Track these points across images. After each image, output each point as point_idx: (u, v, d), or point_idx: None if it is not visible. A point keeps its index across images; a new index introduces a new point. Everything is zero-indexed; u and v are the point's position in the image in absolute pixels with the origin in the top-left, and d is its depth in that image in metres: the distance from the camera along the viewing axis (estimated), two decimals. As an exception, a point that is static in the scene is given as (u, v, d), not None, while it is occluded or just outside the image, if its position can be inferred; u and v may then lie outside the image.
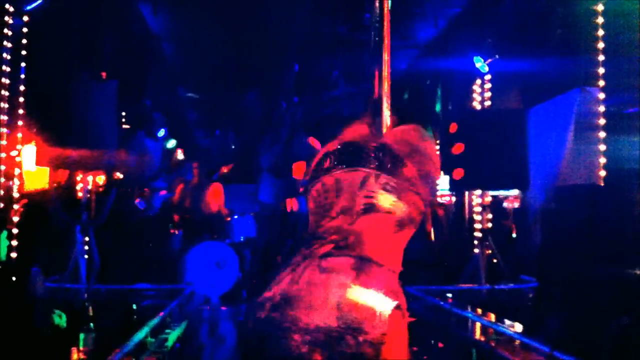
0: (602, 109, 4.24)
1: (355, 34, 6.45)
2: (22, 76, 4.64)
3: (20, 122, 4.65)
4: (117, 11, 5.80)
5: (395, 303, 1.28)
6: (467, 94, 6.28)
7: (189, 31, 7.22)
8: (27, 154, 4.73)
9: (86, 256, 4.79)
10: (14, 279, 4.23)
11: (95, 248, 4.79)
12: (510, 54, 5.68)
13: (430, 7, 6.29)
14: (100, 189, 5.27)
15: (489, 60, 5.69)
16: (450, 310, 4.12)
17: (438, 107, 7.28)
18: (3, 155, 4.45)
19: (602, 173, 4.16)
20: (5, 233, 4.27)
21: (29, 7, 4.59)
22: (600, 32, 4.22)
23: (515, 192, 6.03)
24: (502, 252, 5.22)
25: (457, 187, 5.71)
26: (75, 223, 4.73)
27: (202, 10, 6.45)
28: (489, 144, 4.93)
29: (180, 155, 8.90)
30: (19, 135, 4.64)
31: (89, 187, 4.97)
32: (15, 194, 4.54)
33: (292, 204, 5.55)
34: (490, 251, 5.26)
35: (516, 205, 6.18)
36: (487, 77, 5.90)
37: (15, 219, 4.48)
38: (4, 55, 4.47)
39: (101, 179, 5.39)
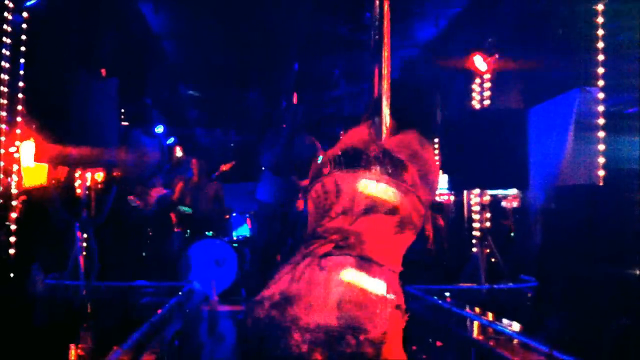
0: (601, 109, 4.24)
1: (356, 33, 6.45)
2: (22, 73, 4.63)
3: (19, 119, 4.64)
4: (117, 9, 5.79)
5: (395, 303, 1.28)
6: (467, 94, 6.28)
7: (190, 30, 7.21)
8: (26, 150, 4.73)
9: (85, 254, 4.78)
10: (12, 276, 4.22)
11: (95, 246, 4.78)
12: (511, 54, 5.68)
13: (430, 6, 6.29)
14: (100, 187, 5.27)
15: (489, 59, 5.69)
16: (450, 309, 4.12)
17: (438, 107, 7.28)
18: (2, 151, 4.44)
19: (602, 173, 4.15)
20: None
21: (28, 4, 4.58)
22: (600, 32, 4.21)
23: (514, 191, 6.03)
24: (501, 251, 5.22)
25: (456, 187, 5.72)
26: (75, 220, 4.72)
27: (203, 9, 6.44)
28: (488, 144, 4.93)
29: (179, 153, 8.90)
30: (18, 131, 4.63)
31: (88, 184, 4.96)
32: (14, 191, 4.53)
33: (298, 204, 5.55)
34: (489, 251, 5.26)
35: (515, 204, 6.18)
36: (487, 76, 5.90)
37: (14, 215, 4.47)
38: (4, 51, 4.46)
39: (100, 177, 5.38)
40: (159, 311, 3.77)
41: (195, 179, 6.91)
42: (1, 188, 4.40)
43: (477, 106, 6.06)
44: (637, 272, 3.21)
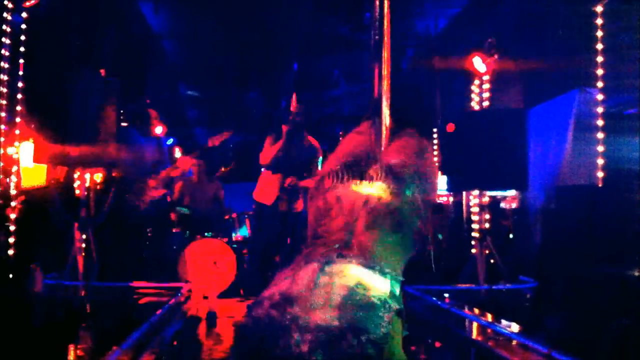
0: (601, 109, 4.25)
1: (356, 33, 6.45)
2: (21, 73, 4.63)
3: (18, 119, 4.64)
4: (117, 8, 5.79)
5: (397, 307, 1.28)
6: (467, 94, 6.28)
7: (190, 29, 7.21)
8: (25, 150, 4.72)
9: (84, 254, 4.78)
10: (12, 276, 4.22)
11: (94, 246, 4.78)
12: (510, 55, 5.68)
13: (430, 6, 6.29)
14: (99, 187, 5.26)
15: (489, 60, 5.69)
16: (449, 310, 4.12)
17: (437, 107, 7.28)
18: (1, 151, 4.44)
19: (601, 174, 4.16)
20: None
21: (28, 4, 4.58)
22: (600, 33, 4.22)
23: (513, 192, 6.03)
24: (500, 252, 5.22)
25: (455, 188, 5.72)
26: (74, 221, 4.72)
27: (203, 9, 6.44)
28: (488, 144, 4.93)
29: (178, 153, 8.89)
30: (17, 132, 4.63)
31: (87, 184, 4.96)
32: (13, 191, 4.53)
33: (298, 205, 5.54)
34: (488, 251, 5.26)
35: (514, 205, 6.19)
36: (487, 77, 5.90)
37: (13, 216, 4.47)
38: (3, 51, 4.46)
39: (99, 177, 5.38)
40: (158, 311, 3.77)
41: (195, 178, 6.91)
42: (0, 188, 4.40)
43: (477, 107, 6.07)
44: (637, 272, 3.21)
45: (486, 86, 5.95)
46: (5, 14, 4.44)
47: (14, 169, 4.58)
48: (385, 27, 2.44)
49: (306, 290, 1.30)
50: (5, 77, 4.49)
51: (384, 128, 2.33)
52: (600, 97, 4.23)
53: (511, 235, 5.93)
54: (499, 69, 5.76)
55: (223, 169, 7.36)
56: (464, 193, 6.08)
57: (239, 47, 7.50)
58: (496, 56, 5.62)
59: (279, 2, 6.39)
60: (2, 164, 4.43)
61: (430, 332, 4.00)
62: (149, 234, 6.14)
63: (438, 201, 6.54)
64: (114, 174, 5.58)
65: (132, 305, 4.49)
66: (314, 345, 1.19)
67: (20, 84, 4.64)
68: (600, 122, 4.21)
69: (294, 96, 5.70)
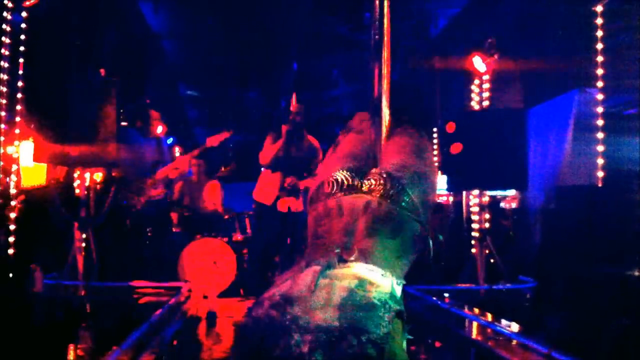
0: (601, 110, 4.25)
1: (355, 33, 6.46)
2: (21, 72, 4.63)
3: (18, 119, 4.64)
4: (117, 8, 5.78)
5: (397, 308, 1.27)
6: (467, 94, 6.29)
7: (190, 29, 7.21)
8: (25, 150, 4.72)
9: (84, 253, 4.78)
10: (12, 276, 4.22)
11: (94, 245, 4.78)
12: (510, 54, 5.69)
13: (430, 6, 6.30)
14: (99, 187, 5.26)
15: (489, 60, 5.69)
16: (449, 310, 4.12)
17: (437, 107, 7.29)
18: (1, 151, 4.44)
19: (601, 174, 4.16)
20: None
21: (28, 3, 4.58)
22: (600, 33, 4.22)
23: (512, 192, 6.04)
24: (500, 252, 5.22)
25: (455, 187, 5.72)
26: (74, 220, 4.72)
27: (203, 8, 6.44)
28: (488, 144, 4.94)
29: (178, 153, 8.88)
30: (17, 131, 4.63)
31: (87, 184, 4.96)
32: (13, 191, 4.52)
33: (297, 204, 5.53)
34: (488, 251, 5.26)
35: (514, 205, 6.19)
36: (487, 77, 5.91)
37: (13, 215, 4.47)
38: (3, 51, 4.46)
39: (99, 176, 5.38)
40: (158, 311, 3.76)
41: (194, 178, 6.91)
42: (0, 188, 4.40)
43: (477, 106, 6.07)
44: (637, 272, 3.21)
45: (486, 86, 5.95)
46: (5, 13, 4.44)
47: (14, 168, 4.58)
48: (385, 26, 2.44)
49: (307, 292, 1.30)
50: (5, 77, 4.49)
51: (384, 128, 2.33)
52: (600, 96, 4.23)
53: (511, 235, 5.93)
54: (499, 68, 5.76)
55: (223, 168, 7.36)
56: (464, 193, 6.08)
57: (238, 47, 7.50)
58: (496, 56, 5.62)
59: (278, 2, 6.39)
60: (2, 163, 4.43)
61: (430, 332, 4.00)
62: (149, 234, 6.14)
63: (438, 201, 6.54)
64: (113, 174, 5.58)
65: (132, 305, 4.49)
66: (314, 346, 1.19)
67: (20, 83, 4.64)
68: (600, 122, 4.21)
69: (293, 96, 5.71)
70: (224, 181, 7.21)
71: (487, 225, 5.51)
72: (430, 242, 1.65)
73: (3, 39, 4.45)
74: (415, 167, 1.67)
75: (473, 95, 6.15)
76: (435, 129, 6.96)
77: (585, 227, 3.71)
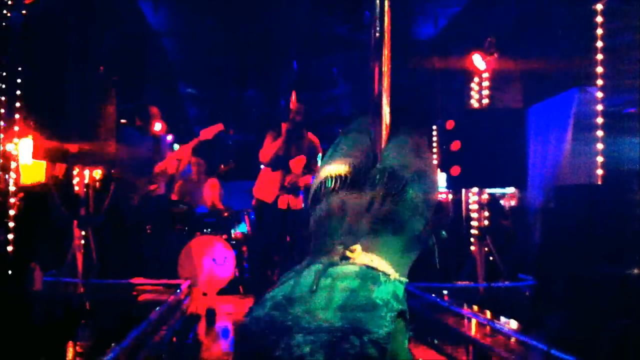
0: (600, 108, 4.25)
1: (355, 33, 6.45)
2: (20, 70, 4.62)
3: (17, 116, 4.63)
4: (116, 6, 5.77)
5: (399, 308, 1.27)
6: (466, 93, 6.29)
7: (189, 28, 7.20)
8: (24, 147, 4.71)
9: (83, 251, 4.78)
10: (11, 273, 4.21)
11: (94, 243, 4.78)
12: (510, 53, 5.69)
13: (430, 5, 6.30)
14: (98, 184, 5.26)
15: (488, 58, 5.69)
16: (448, 307, 4.13)
17: (437, 106, 7.28)
18: (0, 149, 4.43)
19: (600, 172, 4.16)
20: None
21: (27, 1, 4.57)
22: (600, 32, 4.22)
23: (512, 190, 6.04)
24: (499, 250, 5.23)
25: (454, 185, 5.72)
26: (74, 218, 4.72)
27: (202, 7, 6.43)
28: (487, 142, 4.94)
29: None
30: (16, 128, 4.62)
31: (87, 182, 4.96)
32: (12, 188, 4.52)
33: (297, 202, 5.53)
34: (487, 249, 5.27)
35: (513, 203, 6.20)
36: (486, 75, 5.91)
37: (12, 213, 4.46)
38: (2, 47, 4.45)
39: (98, 174, 5.38)
40: (158, 309, 3.77)
41: (194, 177, 6.91)
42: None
43: (476, 105, 6.07)
44: (636, 271, 3.22)
45: (486, 84, 5.95)
46: (4, 11, 4.42)
47: (13, 166, 4.57)
48: (385, 25, 2.44)
49: (308, 292, 1.29)
50: (4, 74, 4.48)
51: (384, 127, 2.33)
52: (599, 95, 4.23)
53: (511, 233, 5.94)
54: (499, 67, 5.76)
55: (222, 167, 7.36)
56: (464, 191, 6.09)
57: (238, 46, 7.49)
58: (496, 54, 5.63)
59: (278, 2, 6.38)
60: (1, 161, 4.42)
61: (429, 330, 4.00)
62: (149, 232, 6.14)
63: (439, 199, 6.53)
64: (113, 171, 5.58)
65: (132, 302, 4.49)
66: (316, 346, 1.18)
67: (19, 81, 4.63)
68: (599, 121, 4.21)
69: (293, 95, 5.71)
70: (223, 179, 7.21)
71: (486, 223, 5.52)
72: (434, 242, 1.64)
73: (2, 35, 4.44)
74: (416, 167, 1.66)
75: (473, 93, 6.15)
76: (435, 127, 6.96)
77: (584, 225, 3.72)
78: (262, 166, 5.83)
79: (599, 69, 4.20)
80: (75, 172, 5.27)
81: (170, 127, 8.15)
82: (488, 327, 3.51)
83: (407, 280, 1.46)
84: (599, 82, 4.22)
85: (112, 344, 2.77)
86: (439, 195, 6.49)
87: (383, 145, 2.29)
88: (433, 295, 4.48)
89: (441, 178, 5.31)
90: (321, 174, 1.64)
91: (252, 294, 5.82)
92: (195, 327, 4.74)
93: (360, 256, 1.41)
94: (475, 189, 5.75)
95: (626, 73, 3.99)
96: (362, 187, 1.55)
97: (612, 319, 2.95)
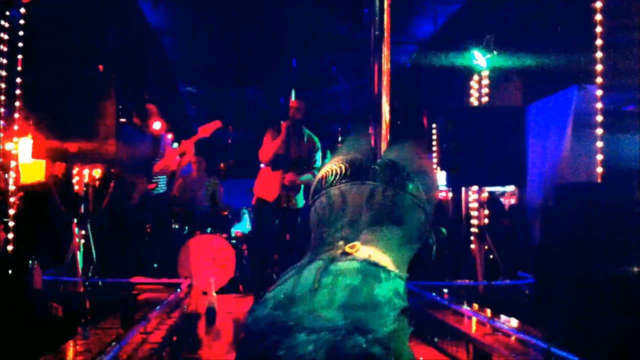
0: (600, 106, 4.24)
1: (355, 31, 6.44)
2: (19, 68, 4.62)
3: (16, 115, 4.63)
4: (115, 4, 5.77)
5: (402, 305, 1.26)
6: (466, 90, 6.29)
7: (189, 26, 7.20)
8: (23, 146, 4.71)
9: (82, 250, 4.77)
10: (11, 272, 4.21)
11: (93, 242, 4.78)
12: (509, 51, 5.68)
13: (429, 3, 6.29)
14: (98, 183, 5.26)
15: (488, 56, 5.69)
16: (448, 306, 4.13)
17: (436, 104, 7.29)
18: (0, 147, 4.43)
19: (600, 170, 4.16)
20: None
21: (25, 0, 4.56)
22: (599, 29, 4.21)
23: (511, 188, 6.05)
24: (499, 248, 5.23)
25: (454, 183, 5.72)
26: (73, 217, 4.72)
27: (202, 5, 6.42)
28: (487, 140, 4.94)
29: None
30: (15, 127, 4.62)
31: (86, 180, 4.96)
32: (12, 187, 4.51)
33: (297, 201, 5.54)
34: (487, 247, 5.27)
35: (512, 201, 6.20)
36: (486, 73, 5.90)
37: (12, 212, 4.46)
38: (1, 47, 4.44)
39: (98, 173, 5.37)
40: (158, 307, 3.77)
41: (194, 175, 6.90)
42: (-1, 184, 4.40)
43: (476, 103, 6.07)
44: (636, 269, 3.22)
45: (485, 82, 5.95)
46: (3, 9, 4.42)
47: (13, 165, 4.57)
48: (385, 23, 2.44)
49: (310, 290, 1.28)
50: (4, 73, 4.48)
51: (384, 124, 2.33)
52: (599, 92, 4.23)
53: (510, 231, 5.94)
54: (498, 65, 5.76)
55: (222, 165, 7.36)
56: (463, 189, 6.09)
57: (237, 45, 7.49)
58: (495, 53, 5.62)
59: (277, 0, 6.38)
60: (0, 160, 4.42)
61: (430, 329, 4.01)
62: (148, 230, 6.14)
63: (439, 197, 6.53)
64: (112, 170, 5.58)
65: (131, 301, 4.49)
66: (318, 346, 1.17)
67: (18, 80, 4.62)
68: (599, 118, 4.21)
69: (292, 93, 5.71)
70: (222, 178, 7.21)
71: (486, 221, 5.52)
72: (433, 241, 1.64)
73: (1, 35, 4.43)
74: (417, 164, 1.65)
75: (472, 91, 6.15)
76: (434, 126, 6.96)
77: (584, 223, 3.72)
78: (262, 165, 5.83)
79: (599, 67, 4.20)
80: (74, 171, 5.27)
81: (170, 126, 8.15)
82: (488, 326, 3.51)
83: (407, 275, 1.45)
84: (599, 80, 4.21)
85: (112, 343, 2.77)
86: (440, 194, 6.51)
87: (383, 144, 2.29)
88: (433, 293, 4.48)
89: (441, 176, 5.31)
90: (321, 172, 1.63)
91: (252, 293, 5.82)
92: (195, 325, 4.74)
93: (361, 250, 1.40)
94: (475, 187, 5.75)
95: (626, 71, 3.99)
96: (362, 180, 1.54)
97: (612, 317, 2.95)
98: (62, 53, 4.82)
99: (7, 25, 4.46)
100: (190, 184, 6.78)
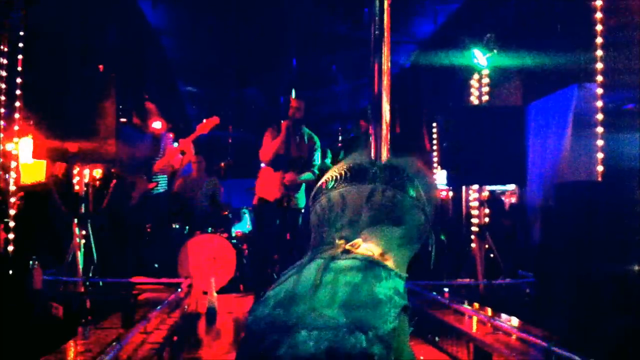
0: (600, 105, 4.24)
1: (354, 30, 6.44)
2: (19, 68, 4.62)
3: (16, 115, 4.63)
4: (115, 4, 5.77)
5: (402, 303, 1.26)
6: (466, 89, 6.29)
7: (189, 25, 7.19)
8: (24, 146, 4.71)
9: (83, 250, 4.77)
10: (11, 273, 4.21)
11: (93, 241, 4.78)
12: (509, 50, 5.68)
13: (429, 3, 6.29)
14: (98, 183, 5.26)
15: (488, 55, 5.69)
16: (448, 305, 4.13)
17: (436, 103, 7.28)
18: (0, 148, 4.43)
19: (600, 169, 4.16)
20: None
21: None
22: (599, 28, 4.21)
23: (512, 187, 6.04)
24: (499, 247, 5.23)
25: (454, 182, 5.72)
26: (73, 217, 4.72)
27: (202, 4, 6.42)
28: (487, 140, 4.94)
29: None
30: (16, 128, 4.62)
31: (87, 180, 4.96)
32: (12, 187, 4.52)
33: (297, 200, 5.53)
34: (487, 246, 5.27)
35: (513, 200, 6.20)
36: (486, 72, 5.90)
37: (12, 212, 4.46)
38: (1, 47, 4.44)
39: (98, 173, 5.38)
40: (158, 307, 3.77)
41: (194, 175, 6.90)
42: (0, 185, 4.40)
43: (476, 102, 6.07)
44: (636, 268, 3.22)
45: (485, 81, 5.95)
46: (3, 9, 4.42)
47: (13, 165, 4.57)
48: (385, 22, 2.43)
49: (311, 288, 1.29)
50: (4, 73, 4.48)
51: (384, 124, 2.33)
52: (599, 91, 4.23)
53: (510, 230, 5.94)
54: (498, 64, 5.76)
55: (222, 165, 7.36)
56: (464, 188, 6.09)
57: (237, 44, 7.48)
58: (495, 51, 5.62)
59: (277, 0, 6.38)
60: (1, 160, 4.42)
61: (430, 328, 4.01)
62: (149, 230, 6.14)
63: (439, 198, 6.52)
64: (113, 170, 5.58)
65: (131, 301, 4.49)
66: (320, 342, 1.17)
67: (18, 80, 4.63)
68: (599, 117, 4.21)
69: (292, 92, 5.72)
70: (222, 178, 7.21)
71: (486, 220, 5.52)
72: (432, 244, 1.63)
73: (1, 35, 4.43)
74: (416, 167, 1.66)
75: (472, 90, 6.15)
76: (434, 125, 6.96)
77: (584, 222, 3.72)
78: (262, 165, 5.83)
79: (599, 66, 4.19)
80: (75, 171, 5.27)
81: (170, 126, 8.15)
82: (488, 325, 3.51)
83: (407, 275, 1.45)
84: (599, 78, 4.21)
85: (112, 343, 2.77)
86: (440, 193, 6.51)
87: (384, 144, 2.29)
88: (433, 292, 4.48)
89: (441, 176, 5.31)
90: (322, 179, 1.64)
91: (252, 292, 5.83)
92: (195, 325, 4.74)
93: (361, 248, 1.40)
94: (475, 187, 5.75)
95: (626, 70, 3.98)
96: (362, 181, 1.55)
97: (612, 316, 2.95)
98: (62, 53, 4.82)
99: (7, 24, 4.46)
100: (190, 184, 6.78)
